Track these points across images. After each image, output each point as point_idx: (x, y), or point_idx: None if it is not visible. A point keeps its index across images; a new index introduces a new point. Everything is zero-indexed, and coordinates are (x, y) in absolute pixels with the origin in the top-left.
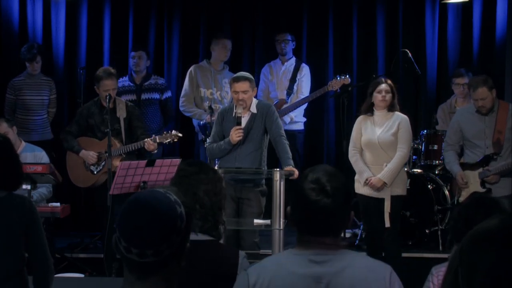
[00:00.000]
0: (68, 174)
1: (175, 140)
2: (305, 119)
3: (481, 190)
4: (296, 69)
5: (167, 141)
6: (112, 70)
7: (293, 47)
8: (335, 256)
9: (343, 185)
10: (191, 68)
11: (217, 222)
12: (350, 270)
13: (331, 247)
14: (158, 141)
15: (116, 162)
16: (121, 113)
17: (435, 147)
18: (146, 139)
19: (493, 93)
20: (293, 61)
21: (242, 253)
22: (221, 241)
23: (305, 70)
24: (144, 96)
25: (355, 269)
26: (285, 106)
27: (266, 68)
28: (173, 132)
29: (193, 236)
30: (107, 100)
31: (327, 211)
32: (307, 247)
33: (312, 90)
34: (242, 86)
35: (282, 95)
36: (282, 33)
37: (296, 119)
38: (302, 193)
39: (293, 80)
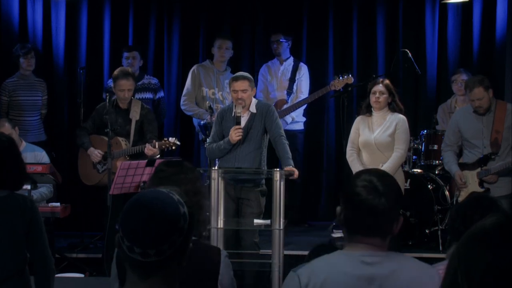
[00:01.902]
0: (78, 170)
1: (173, 148)
2: (305, 119)
3: (480, 189)
4: (295, 69)
5: (165, 147)
6: (130, 71)
7: (289, 46)
8: (386, 258)
9: (395, 186)
10: (194, 67)
11: (198, 221)
12: (401, 272)
13: (380, 248)
14: (157, 147)
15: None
16: (134, 115)
17: (435, 147)
18: (146, 144)
19: (489, 93)
20: (291, 61)
21: (224, 252)
22: (202, 240)
23: (303, 70)
24: (137, 96)
25: (407, 271)
26: (285, 106)
27: (264, 69)
28: (171, 139)
29: None
30: (107, 100)
31: (378, 211)
32: (357, 248)
33: (312, 90)
34: (241, 85)
35: (282, 95)
36: (275, 34)
37: (297, 119)
38: (353, 190)
39: (292, 80)
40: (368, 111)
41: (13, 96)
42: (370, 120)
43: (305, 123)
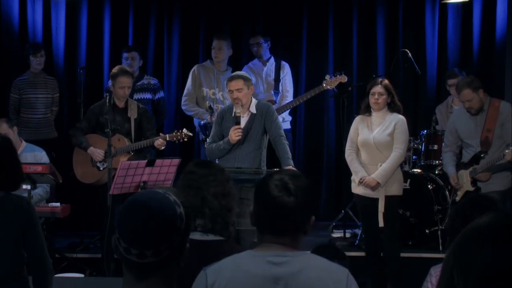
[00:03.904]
0: (74, 170)
1: (185, 139)
2: (291, 118)
3: (471, 188)
4: (278, 68)
5: (176, 139)
6: (128, 69)
7: (269, 47)
8: (293, 258)
9: (306, 187)
10: (194, 68)
11: (227, 223)
12: (308, 272)
13: (290, 248)
14: (168, 139)
15: (124, 159)
16: (132, 114)
17: (435, 147)
18: (157, 137)
19: (479, 94)
20: (272, 60)
21: None
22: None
23: (286, 68)
24: (137, 96)
25: (313, 270)
26: (274, 106)
27: (245, 70)
28: (184, 130)
29: (203, 237)
30: (107, 99)
31: (287, 209)
32: (266, 248)
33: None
34: (236, 84)
35: (270, 95)
36: (254, 37)
37: (285, 119)
38: (265, 189)
39: (277, 79)
40: (368, 111)
41: (23, 94)
42: (370, 119)
43: (291, 122)
